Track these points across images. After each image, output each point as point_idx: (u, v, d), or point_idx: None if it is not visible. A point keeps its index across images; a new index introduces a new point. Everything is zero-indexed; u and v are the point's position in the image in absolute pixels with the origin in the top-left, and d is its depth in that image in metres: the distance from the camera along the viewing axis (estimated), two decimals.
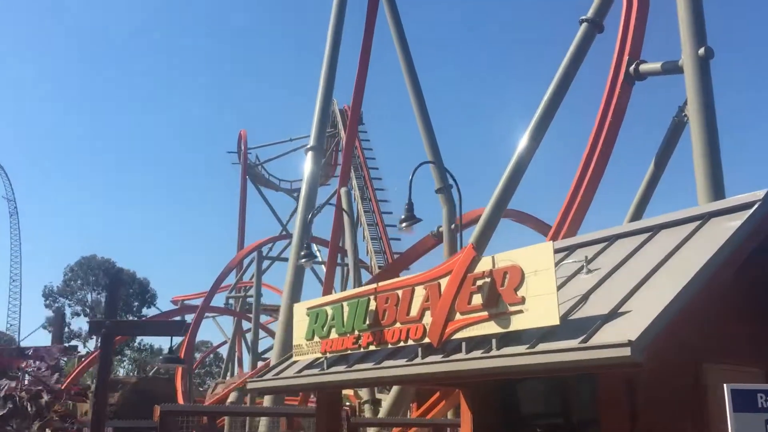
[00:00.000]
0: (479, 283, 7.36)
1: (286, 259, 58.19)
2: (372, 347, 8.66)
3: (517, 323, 6.93)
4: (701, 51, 15.21)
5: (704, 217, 7.83)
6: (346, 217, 33.63)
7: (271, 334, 53.20)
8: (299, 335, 9.86)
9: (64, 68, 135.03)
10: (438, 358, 7.74)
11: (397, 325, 8.33)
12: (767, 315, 8.01)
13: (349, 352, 9.01)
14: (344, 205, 33.51)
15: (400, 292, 8.38)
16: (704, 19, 15.60)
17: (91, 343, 76.49)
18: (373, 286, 8.89)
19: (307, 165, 22.73)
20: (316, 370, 9.49)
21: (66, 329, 76.12)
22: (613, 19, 17.30)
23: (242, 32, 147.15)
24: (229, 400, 21.72)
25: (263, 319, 57.06)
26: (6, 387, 3.97)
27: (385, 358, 8.59)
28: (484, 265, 7.42)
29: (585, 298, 7.27)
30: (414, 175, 9.43)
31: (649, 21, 17.25)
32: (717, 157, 14.75)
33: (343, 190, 33.90)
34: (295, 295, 19.52)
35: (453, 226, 26.23)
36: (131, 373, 58.55)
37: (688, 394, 7.19)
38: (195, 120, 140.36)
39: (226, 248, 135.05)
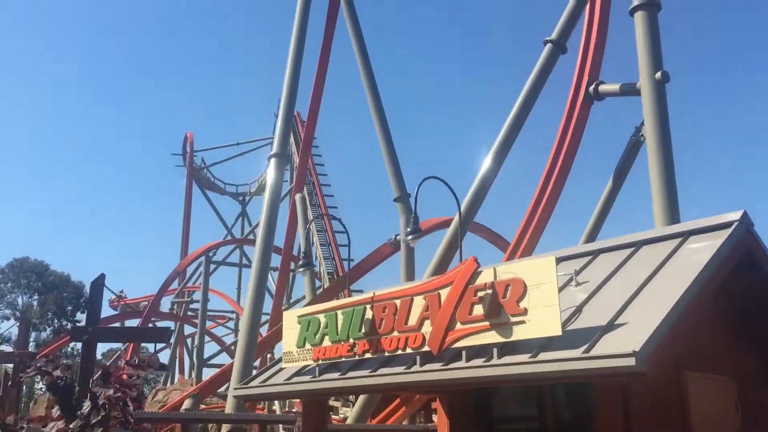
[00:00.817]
0: (480, 294, 7.72)
1: (232, 264, 57.93)
2: (368, 355, 8.92)
3: (519, 333, 7.32)
4: (658, 75, 16.09)
5: (684, 235, 8.42)
6: (300, 224, 33.74)
7: (216, 339, 52.61)
8: (289, 342, 10.02)
9: None
10: (437, 366, 8.07)
11: (395, 333, 8.62)
12: (740, 329, 8.65)
13: (343, 359, 9.24)
14: (299, 211, 33.64)
15: (398, 302, 8.67)
16: (660, 44, 16.50)
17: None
18: (369, 295, 9.15)
19: (270, 172, 22.74)
20: (307, 377, 9.68)
21: None
22: (574, 40, 18.08)
23: (190, 32, 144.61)
24: (184, 406, 21.45)
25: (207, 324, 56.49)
26: (102, 394, 4.02)
27: (380, 366, 8.87)
28: (485, 277, 7.79)
29: (579, 309, 7.72)
30: (418, 189, 9.77)
31: (609, 42, 18.08)
32: (672, 175, 15.60)
33: (298, 196, 34.03)
34: (258, 302, 19.54)
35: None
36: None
37: (672, 400, 7.72)
38: (136, 119, 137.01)
39: (166, 252, 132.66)
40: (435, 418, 22.43)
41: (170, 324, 48.06)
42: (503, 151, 17.21)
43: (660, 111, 15.89)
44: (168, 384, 47.65)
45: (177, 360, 54.44)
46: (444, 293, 8.14)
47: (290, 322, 10.14)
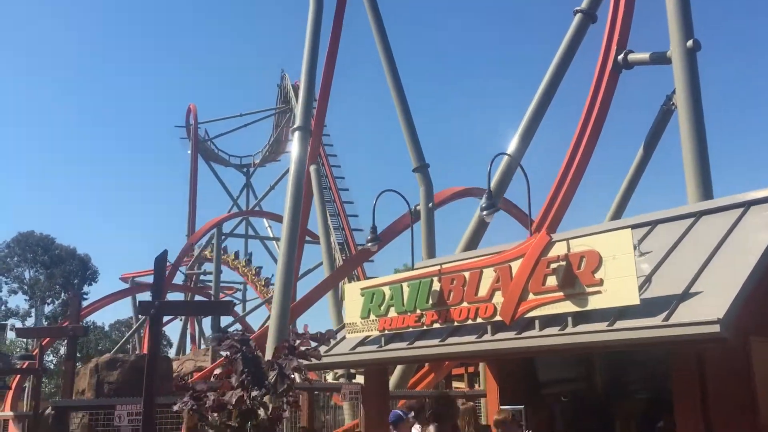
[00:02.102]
0: (554, 266, 8.02)
1: (239, 236, 58.13)
2: (436, 325, 9.24)
3: (595, 303, 7.63)
4: (689, 43, 16.20)
5: (745, 206, 8.72)
6: (316, 195, 33.93)
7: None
8: (352, 314, 10.34)
9: None
10: (510, 335, 8.39)
11: (464, 304, 8.93)
12: None
13: (410, 329, 9.56)
14: (314, 183, 33.80)
15: (467, 274, 8.97)
16: (691, 13, 16.59)
17: (30, 322, 74.41)
18: (437, 267, 9.45)
19: (294, 145, 22.86)
20: (373, 347, 10.01)
21: (2, 307, 73.81)
22: (602, 10, 18.11)
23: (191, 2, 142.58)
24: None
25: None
26: (287, 364, 4.25)
27: (448, 335, 9.19)
28: (557, 249, 8.08)
29: (648, 279, 8.02)
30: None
31: (637, 12, 18.14)
32: (704, 143, 15.83)
33: (312, 167, 34.12)
34: (289, 274, 19.85)
35: (430, 204, 27.00)
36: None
37: (737, 363, 8.06)
38: (139, 90, 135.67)
39: (171, 224, 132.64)
40: (454, 384, 23.02)
41: (180, 295, 48.47)
42: (533, 123, 17.35)
43: (691, 79, 16.05)
44: (180, 355, 48.31)
45: (188, 331, 55.04)
46: (515, 265, 8.44)
47: (352, 294, 10.44)
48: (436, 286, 9.29)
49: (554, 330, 7.96)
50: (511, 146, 17.81)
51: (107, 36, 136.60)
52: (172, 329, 63.25)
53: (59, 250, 72.84)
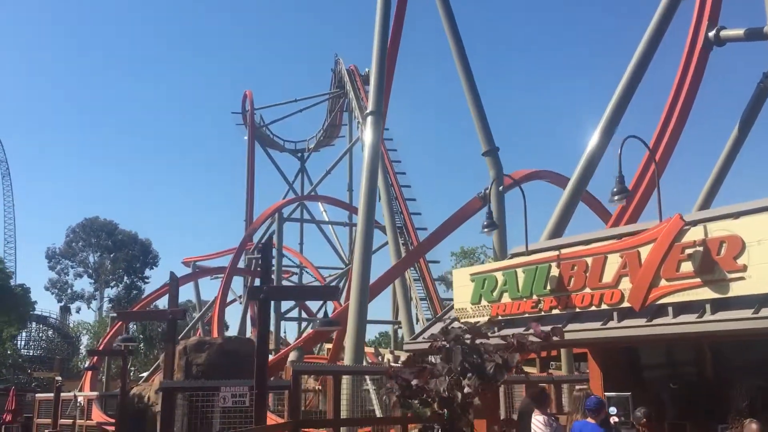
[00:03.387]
0: (689, 251, 7.79)
1: (296, 220, 58.61)
2: (555, 311, 9.11)
3: (737, 289, 7.39)
4: None
5: None
6: (381, 179, 33.91)
7: None
8: (462, 299, 10.28)
9: (62, 24, 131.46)
10: (641, 321, 8.20)
11: (587, 290, 8.78)
12: None
13: (526, 315, 9.45)
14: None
15: (589, 260, 8.80)
16: None
17: (95, 305, 76.70)
18: (555, 253, 9.29)
19: (367, 130, 22.80)
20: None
21: (69, 290, 76.20)
22: None
23: None
24: (291, 358, 22.32)
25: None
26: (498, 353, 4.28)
27: (568, 322, 9.04)
28: (693, 234, 7.84)
29: None
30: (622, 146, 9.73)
31: None
32: None
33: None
34: (366, 260, 19.88)
35: (501, 188, 26.69)
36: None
37: None
38: (196, 80, 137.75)
39: (229, 209, 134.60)
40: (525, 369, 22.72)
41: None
42: (622, 105, 16.78)
43: None
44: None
45: (248, 314, 55.80)
46: (644, 251, 8.23)
47: (462, 279, 10.38)
48: (555, 271, 9.14)
49: (691, 317, 7.75)
50: (597, 133, 17.38)
51: (169, 24, 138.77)
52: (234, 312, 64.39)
53: (122, 235, 74.72)
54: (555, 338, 6.17)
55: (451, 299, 49.12)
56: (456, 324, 5.04)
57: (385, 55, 24.04)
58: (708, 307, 7.65)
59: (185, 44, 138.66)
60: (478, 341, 4.68)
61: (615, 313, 8.50)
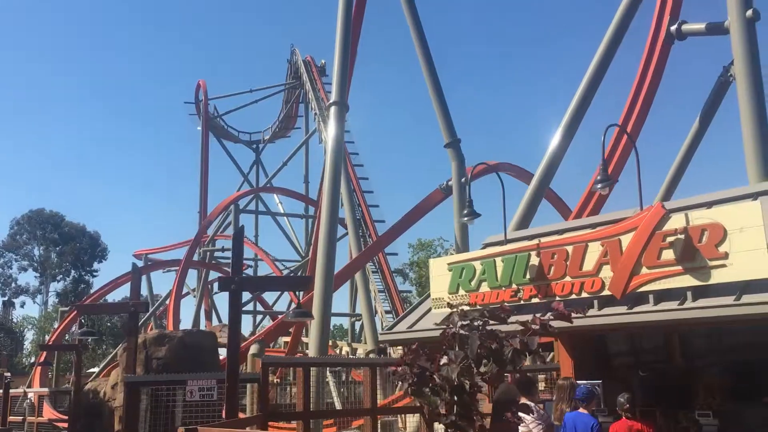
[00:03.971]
0: (670, 239, 7.85)
1: (251, 212, 57.84)
2: (535, 300, 9.10)
3: (718, 276, 7.47)
4: (749, 13, 15.87)
5: None
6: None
7: None
8: (439, 289, 10.19)
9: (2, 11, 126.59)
10: (621, 309, 8.24)
11: (567, 278, 8.78)
12: None
13: (505, 304, 9.39)
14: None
15: (570, 248, 8.80)
16: None
17: (40, 299, 74.43)
18: (534, 242, 9.27)
19: (330, 121, 22.54)
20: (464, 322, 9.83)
21: (13, 284, 73.74)
22: None
23: None
24: (251, 351, 21.95)
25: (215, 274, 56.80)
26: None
27: (547, 311, 9.01)
28: (674, 222, 7.90)
29: None
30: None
31: None
32: (764, 116, 15.57)
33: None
34: (331, 251, 19.65)
35: (463, 179, 26.74)
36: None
37: None
38: (147, 67, 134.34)
39: (182, 201, 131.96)
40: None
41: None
42: (586, 100, 16.93)
43: (751, 50, 15.75)
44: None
45: (203, 307, 54.94)
46: (625, 239, 8.26)
47: (439, 269, 10.29)
48: (535, 260, 9.13)
49: (672, 304, 7.81)
50: (561, 128, 17.52)
51: (117, 12, 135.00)
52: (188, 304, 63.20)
53: (69, 228, 72.59)
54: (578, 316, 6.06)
55: (408, 291, 48.87)
56: (465, 308, 4.95)
57: (348, 44, 23.79)
58: (689, 294, 7.72)
59: (136, 31, 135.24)
60: (491, 325, 4.56)
61: (595, 301, 8.53)
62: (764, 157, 15.32)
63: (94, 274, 74.87)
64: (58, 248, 71.99)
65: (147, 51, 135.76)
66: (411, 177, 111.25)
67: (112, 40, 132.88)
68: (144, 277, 53.91)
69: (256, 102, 64.01)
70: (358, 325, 43.85)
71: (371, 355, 27.06)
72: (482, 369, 4.23)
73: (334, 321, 63.42)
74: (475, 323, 4.50)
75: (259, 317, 56.33)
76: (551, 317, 4.47)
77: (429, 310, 10.62)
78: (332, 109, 22.46)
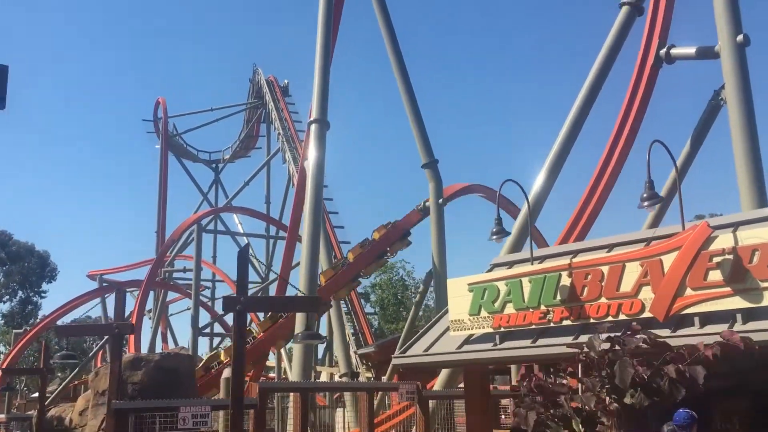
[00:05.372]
0: (717, 259, 7.56)
1: (211, 231, 56.48)
2: (567, 322, 8.70)
3: None
4: (740, 38, 16.06)
5: None
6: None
7: (208, 309, 51.63)
8: (459, 310, 9.72)
9: None
10: (665, 332, 7.88)
11: (603, 300, 8.41)
12: None
13: (533, 326, 8.99)
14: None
15: (605, 268, 8.44)
16: (740, 7, 16.45)
17: None
18: (566, 261, 8.89)
19: (311, 139, 22.03)
20: (486, 345, 9.39)
21: None
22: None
23: None
24: (224, 375, 21.06)
25: (174, 295, 55.22)
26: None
27: (580, 333, 8.64)
28: (721, 242, 7.62)
29: None
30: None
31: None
32: (755, 139, 15.71)
33: (307, 162, 33.21)
34: (314, 275, 19.07)
35: (440, 200, 26.49)
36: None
37: None
38: (103, 80, 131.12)
39: (137, 220, 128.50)
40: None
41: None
42: (577, 125, 16.71)
43: (742, 74, 15.91)
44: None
45: (159, 330, 53.27)
46: (667, 259, 7.95)
47: (458, 290, 9.82)
48: (566, 281, 8.75)
49: (720, 327, 7.48)
50: (546, 167, 17.24)
51: (74, 24, 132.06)
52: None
53: (17, 247, 69.76)
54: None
55: (371, 313, 48.30)
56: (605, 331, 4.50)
57: (328, 59, 23.39)
58: (739, 316, 7.43)
59: (96, 44, 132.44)
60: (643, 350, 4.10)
61: (634, 324, 8.15)
62: (757, 180, 15.41)
63: (43, 295, 72.11)
64: (4, 268, 69.10)
65: (104, 65, 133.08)
66: (377, 197, 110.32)
67: (71, 52, 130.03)
68: (99, 299, 52.11)
69: (216, 121, 63.03)
70: (320, 347, 42.84)
71: (344, 378, 26.36)
72: (627, 399, 3.76)
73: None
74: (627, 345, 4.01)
75: (217, 339, 54.95)
76: (715, 345, 4.00)
77: (444, 332, 10.14)
78: (312, 127, 21.98)
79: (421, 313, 37.07)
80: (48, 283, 71.85)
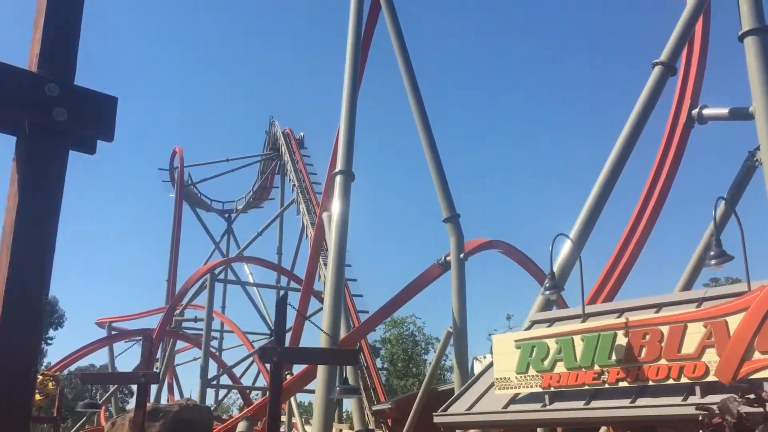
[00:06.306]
0: None
1: (221, 281, 56.19)
2: (623, 383, 8.33)
3: None
4: None
5: None
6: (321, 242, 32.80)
7: (217, 360, 50.95)
8: (505, 368, 9.36)
9: None
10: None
11: (663, 361, 8.06)
12: None
13: (586, 387, 8.62)
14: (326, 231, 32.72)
15: (665, 328, 8.12)
16: None
17: None
18: (622, 320, 8.57)
19: (336, 190, 21.89)
20: (535, 405, 9.00)
21: None
22: None
23: (179, 42, 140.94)
24: (239, 429, 20.48)
25: (181, 344, 54.54)
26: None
27: (637, 396, 8.26)
28: None
29: None
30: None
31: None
32: None
33: (325, 214, 33.11)
34: (335, 331, 18.69)
35: (462, 255, 26.16)
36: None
37: None
38: (118, 130, 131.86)
39: (147, 267, 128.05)
40: None
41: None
42: (608, 185, 16.18)
43: None
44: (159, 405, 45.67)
45: (166, 380, 52.39)
46: (733, 320, 7.64)
47: (504, 346, 9.48)
48: (622, 340, 8.41)
49: None
50: (573, 236, 16.75)
51: (92, 69, 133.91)
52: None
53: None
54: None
55: (380, 368, 47.36)
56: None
57: (354, 109, 23.43)
58: None
59: (112, 90, 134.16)
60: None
61: (697, 388, 7.79)
62: None
63: (49, 341, 71.37)
64: None
65: (121, 113, 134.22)
66: (395, 251, 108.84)
67: None
68: (106, 348, 51.44)
69: (232, 171, 63.47)
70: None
71: None
72: None
73: (301, 397, 61.24)
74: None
75: (223, 391, 54.00)
76: None
77: (488, 389, 9.75)
78: (338, 179, 21.84)
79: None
80: (55, 330, 71.32)
